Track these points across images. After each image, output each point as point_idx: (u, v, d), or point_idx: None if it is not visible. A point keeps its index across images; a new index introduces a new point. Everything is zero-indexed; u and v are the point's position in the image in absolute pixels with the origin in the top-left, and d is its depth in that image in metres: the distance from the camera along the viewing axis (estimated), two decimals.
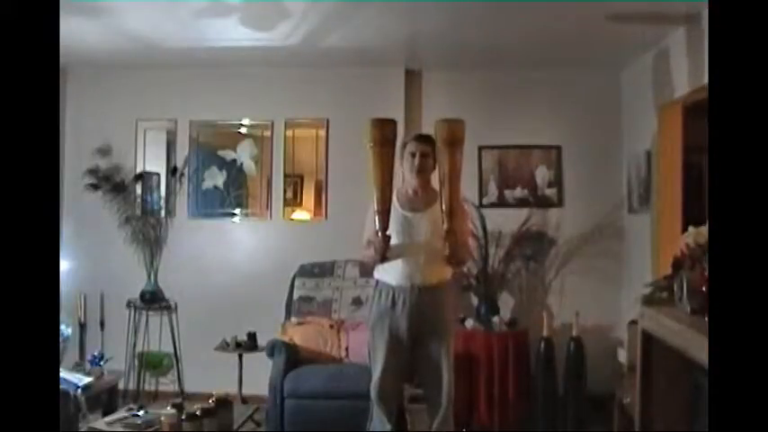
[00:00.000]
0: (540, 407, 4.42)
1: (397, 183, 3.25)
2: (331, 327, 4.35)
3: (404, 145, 3.26)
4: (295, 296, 4.61)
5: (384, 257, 3.11)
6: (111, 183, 4.84)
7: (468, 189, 4.86)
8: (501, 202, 5.03)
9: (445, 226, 3.05)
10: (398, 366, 3.21)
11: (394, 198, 3.17)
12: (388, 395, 3.21)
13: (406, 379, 3.38)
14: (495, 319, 4.58)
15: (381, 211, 3.08)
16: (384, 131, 3.11)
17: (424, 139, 3.22)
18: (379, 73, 4.94)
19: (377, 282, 3.27)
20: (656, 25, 3.87)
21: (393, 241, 3.10)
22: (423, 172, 3.21)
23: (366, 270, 4.58)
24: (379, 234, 3.07)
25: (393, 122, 3.17)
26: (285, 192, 5.07)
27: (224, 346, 4.44)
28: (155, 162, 5.07)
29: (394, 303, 3.15)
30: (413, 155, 3.21)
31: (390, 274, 3.18)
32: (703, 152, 1.92)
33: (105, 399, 3.89)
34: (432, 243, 3.13)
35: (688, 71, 3.77)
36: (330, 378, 3.97)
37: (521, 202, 5.02)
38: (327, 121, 5.01)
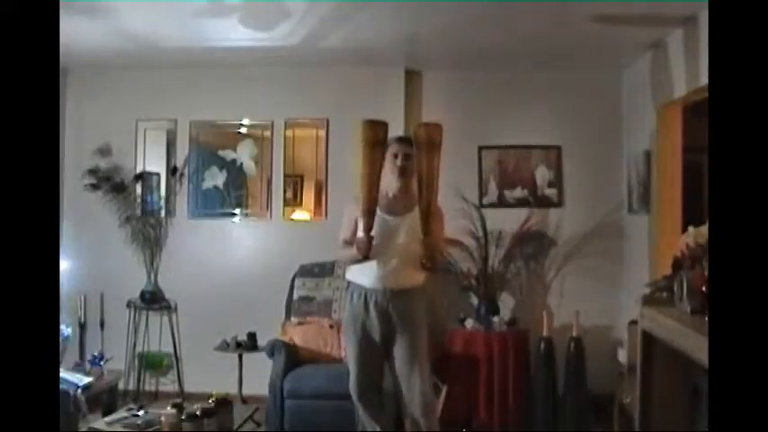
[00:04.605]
0: (540, 407, 4.42)
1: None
2: (331, 327, 4.35)
3: (387, 146, 3.25)
4: (295, 296, 4.61)
5: (367, 258, 3.13)
6: (111, 183, 4.84)
7: (469, 189, 4.88)
8: (501, 202, 5.02)
9: (423, 229, 3.08)
10: (373, 366, 3.26)
11: None
12: (368, 395, 3.27)
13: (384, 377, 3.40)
14: (495, 319, 4.58)
15: (367, 212, 3.11)
16: (375, 133, 3.13)
17: (407, 141, 3.24)
18: (379, 73, 4.93)
19: (349, 283, 3.31)
20: (652, 27, 3.88)
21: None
22: (405, 174, 3.22)
23: None
24: (363, 234, 3.10)
25: (384, 124, 3.19)
26: (285, 192, 5.06)
27: (224, 346, 4.44)
28: (155, 162, 5.07)
29: (366, 305, 3.20)
30: (395, 156, 3.22)
31: (363, 276, 3.22)
32: (703, 152, 1.92)
33: (105, 399, 3.89)
34: (407, 247, 3.16)
35: (685, 73, 3.77)
36: (330, 378, 3.96)
37: (521, 202, 5.02)
38: (327, 121, 5.01)
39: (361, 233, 3.12)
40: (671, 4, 3.50)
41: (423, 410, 3.19)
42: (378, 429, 3.26)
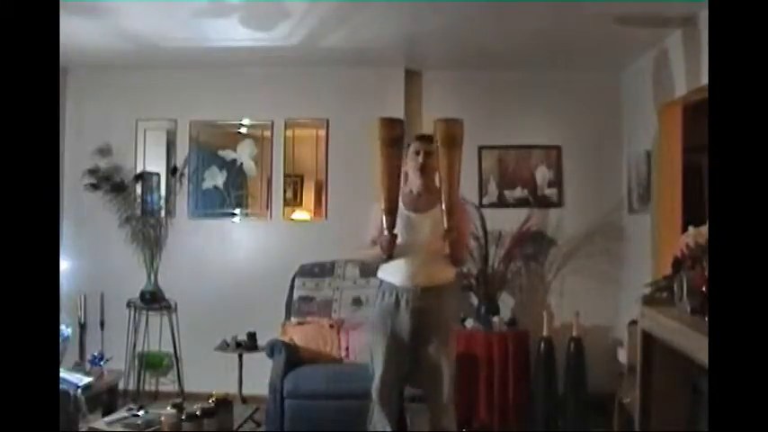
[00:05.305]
0: (540, 407, 4.42)
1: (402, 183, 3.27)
2: (331, 327, 4.35)
3: (408, 145, 3.27)
4: (295, 296, 4.61)
5: (391, 256, 3.13)
6: (111, 183, 4.84)
7: (468, 189, 4.86)
8: (501, 202, 5.02)
9: (445, 224, 3.06)
10: (400, 367, 3.22)
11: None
12: (390, 395, 3.23)
13: (408, 379, 3.39)
14: (495, 319, 4.58)
15: (388, 210, 3.10)
16: (392, 131, 3.13)
17: (428, 139, 3.22)
18: (379, 73, 4.94)
19: (380, 282, 3.29)
20: (652, 28, 3.88)
21: (397, 241, 3.11)
22: (426, 171, 3.23)
23: (366, 270, 4.60)
24: (386, 233, 3.09)
25: (401, 122, 3.22)
26: (285, 192, 5.06)
27: (224, 346, 4.44)
28: (155, 162, 5.07)
29: (397, 304, 3.17)
30: (417, 153, 3.23)
31: (394, 274, 3.20)
32: (703, 152, 1.92)
33: (105, 399, 3.88)
34: (433, 244, 3.13)
35: (685, 73, 3.78)
36: (330, 378, 3.97)
37: (521, 202, 5.02)
38: (327, 121, 5.01)
39: (384, 232, 3.11)
40: (671, 5, 3.50)
41: (445, 408, 3.18)
42: (389, 429, 3.24)
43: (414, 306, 3.15)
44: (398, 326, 3.17)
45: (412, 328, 3.16)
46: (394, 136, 3.12)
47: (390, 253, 3.12)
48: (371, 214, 3.28)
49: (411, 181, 3.28)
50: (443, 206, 3.08)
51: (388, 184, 3.10)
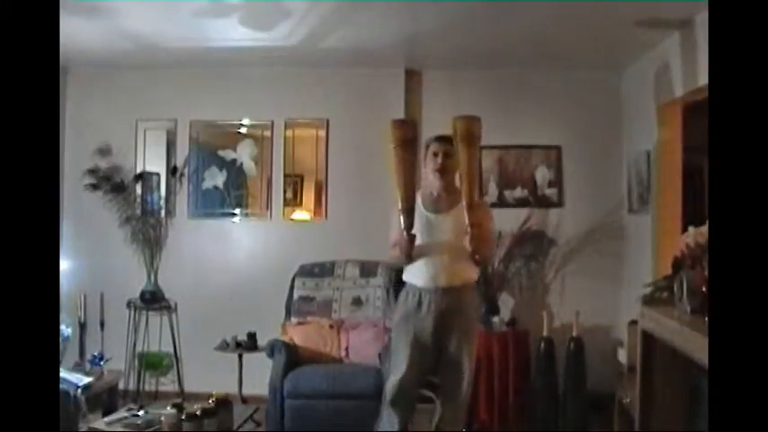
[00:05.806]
0: (540, 407, 4.42)
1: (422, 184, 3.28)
2: (331, 327, 4.35)
3: (426, 146, 3.28)
4: (295, 296, 4.61)
5: (410, 257, 3.12)
6: (111, 183, 4.84)
7: None
8: (501, 202, 5.02)
9: (467, 220, 3.05)
10: (422, 368, 3.20)
11: (418, 199, 3.18)
12: (405, 397, 3.18)
13: (425, 381, 3.37)
14: (495, 319, 4.58)
15: (405, 210, 3.09)
16: (405, 132, 3.14)
17: (447, 140, 3.20)
18: (379, 73, 4.94)
19: (404, 283, 3.28)
20: (651, 28, 3.88)
21: (417, 242, 3.10)
22: (445, 172, 3.21)
23: (366, 270, 4.61)
24: (405, 234, 3.08)
25: (413, 123, 3.26)
26: (285, 192, 5.06)
27: (224, 346, 4.44)
28: (155, 162, 5.06)
29: (419, 305, 3.15)
30: (435, 155, 3.22)
31: (416, 275, 3.19)
32: (703, 152, 1.92)
33: (105, 399, 3.89)
34: (455, 244, 3.12)
35: (685, 73, 3.78)
36: (330, 378, 3.97)
37: (521, 202, 5.02)
38: (327, 121, 5.01)
39: (402, 233, 3.10)
40: (669, 7, 3.50)
41: (460, 407, 3.18)
42: (397, 429, 3.22)
43: (436, 307, 3.13)
44: (420, 327, 3.15)
45: (434, 329, 3.14)
46: (407, 137, 3.12)
47: (410, 254, 3.11)
48: (392, 216, 3.27)
49: (430, 182, 3.27)
50: (464, 203, 3.07)
51: (404, 184, 3.10)
